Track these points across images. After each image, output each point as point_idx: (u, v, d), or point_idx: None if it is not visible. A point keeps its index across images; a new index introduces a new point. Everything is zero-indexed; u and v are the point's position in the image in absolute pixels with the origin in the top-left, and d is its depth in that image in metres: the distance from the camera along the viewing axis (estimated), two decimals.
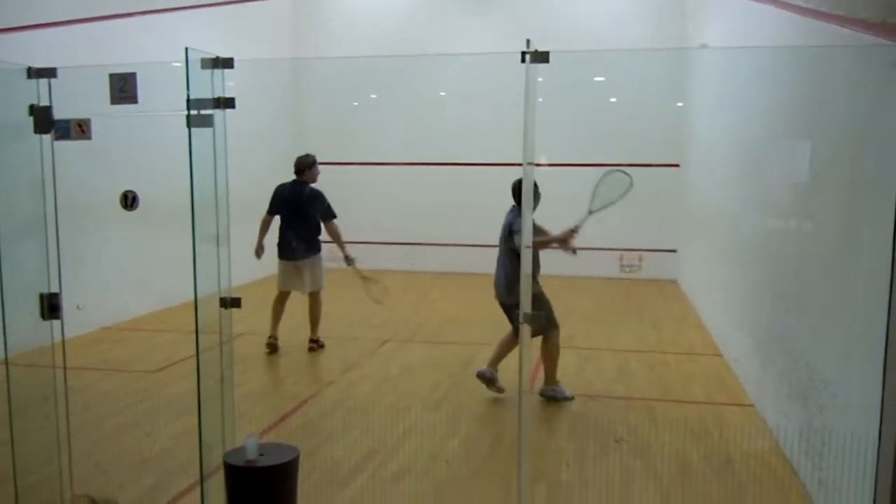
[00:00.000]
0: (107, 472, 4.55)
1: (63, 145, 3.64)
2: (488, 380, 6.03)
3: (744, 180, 7.00)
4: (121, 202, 4.17)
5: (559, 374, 6.11)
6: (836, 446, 3.82)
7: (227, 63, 3.58)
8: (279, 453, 3.71)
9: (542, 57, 3.42)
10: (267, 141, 11.86)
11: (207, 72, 3.50)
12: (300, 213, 7.39)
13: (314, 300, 7.54)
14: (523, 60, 3.43)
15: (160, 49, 3.90)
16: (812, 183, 4.84)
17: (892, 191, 3.09)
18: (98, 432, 5.21)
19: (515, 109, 3.75)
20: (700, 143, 10.24)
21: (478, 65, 12.34)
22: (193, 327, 3.72)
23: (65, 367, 3.76)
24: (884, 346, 3.00)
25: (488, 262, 12.85)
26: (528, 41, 3.42)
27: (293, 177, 7.58)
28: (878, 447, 2.97)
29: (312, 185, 7.55)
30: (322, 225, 7.48)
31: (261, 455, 3.63)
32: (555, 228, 6.12)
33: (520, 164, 3.63)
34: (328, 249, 7.64)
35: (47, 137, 3.64)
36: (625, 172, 6.01)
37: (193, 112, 3.49)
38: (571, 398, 6.05)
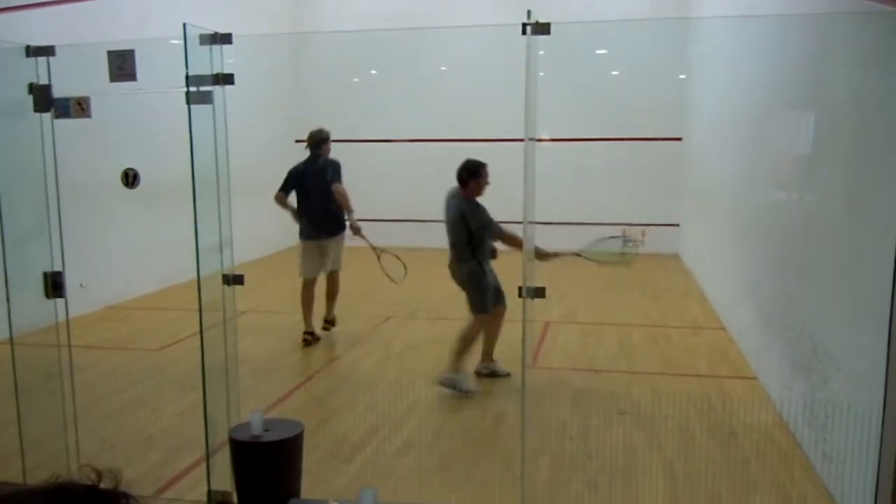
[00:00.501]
0: (113, 449, 4.59)
1: (63, 124, 3.63)
2: (492, 374, 5.95)
3: (747, 153, 6.96)
4: (122, 180, 4.18)
5: (501, 355, 6.03)
6: (840, 418, 3.83)
7: (226, 38, 3.56)
8: (284, 428, 3.72)
9: (543, 28, 3.40)
10: (267, 118, 11.82)
11: (206, 48, 3.49)
12: (323, 187, 6.93)
13: (333, 280, 7.19)
14: (524, 32, 3.40)
15: (159, 25, 3.87)
16: (816, 154, 4.81)
17: None
18: (104, 409, 5.23)
19: (516, 84, 3.73)
20: (703, 115, 10.18)
21: (478, 37, 12.23)
22: (197, 305, 3.73)
23: (69, 346, 3.77)
24: (888, 317, 3.00)
25: None
26: (528, 12, 3.39)
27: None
28: (883, 418, 2.98)
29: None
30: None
31: (266, 430, 3.64)
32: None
33: (521, 140, 3.61)
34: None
35: (47, 116, 3.63)
36: (628, 246, 6.19)
37: (193, 89, 3.48)
38: (468, 392, 5.60)
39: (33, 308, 3.73)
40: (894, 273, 2.96)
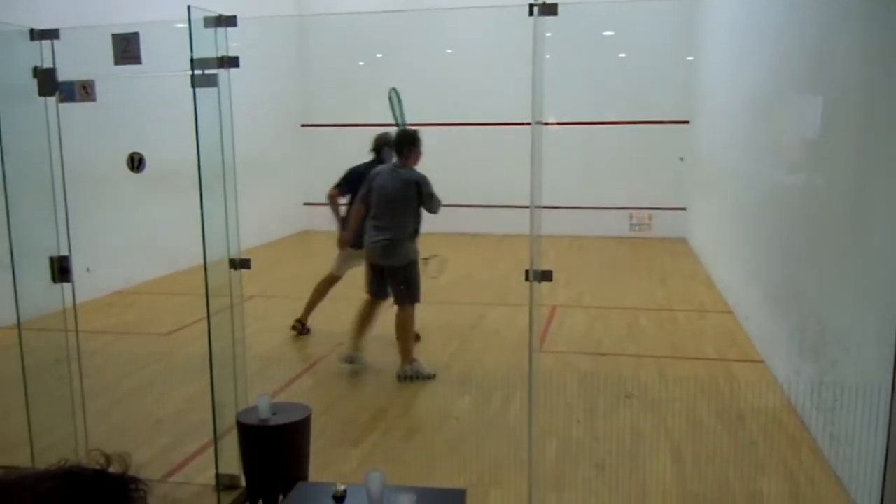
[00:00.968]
0: (121, 433, 4.61)
1: (68, 107, 3.62)
2: (351, 360, 5.78)
3: (755, 136, 6.92)
4: (127, 164, 4.16)
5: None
6: (848, 401, 3.82)
7: (231, 21, 3.54)
8: (291, 412, 3.74)
9: (550, 10, 3.36)
10: (272, 102, 11.80)
11: (210, 30, 3.47)
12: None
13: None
14: (531, 13, 3.37)
15: (163, 8, 3.85)
16: (824, 136, 4.77)
17: None
18: (112, 394, 5.26)
19: (523, 66, 3.70)
20: (710, 98, 10.12)
21: (484, 19, 12.17)
22: (204, 290, 3.73)
23: (77, 330, 3.78)
24: None
25: (495, 222, 12.85)
26: None
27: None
28: (891, 400, 2.96)
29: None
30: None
31: (273, 414, 3.66)
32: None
33: (528, 123, 3.59)
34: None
35: (52, 100, 3.61)
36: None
37: (198, 72, 3.46)
38: (432, 376, 5.60)
39: (40, 293, 3.74)
40: None
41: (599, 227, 12.38)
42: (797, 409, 4.82)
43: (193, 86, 3.48)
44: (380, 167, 5.92)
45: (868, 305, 3.73)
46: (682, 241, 11.90)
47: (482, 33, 12.54)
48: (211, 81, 3.50)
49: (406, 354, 5.66)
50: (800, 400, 4.79)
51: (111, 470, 0.94)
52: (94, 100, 3.63)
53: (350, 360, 5.79)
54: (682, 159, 6.04)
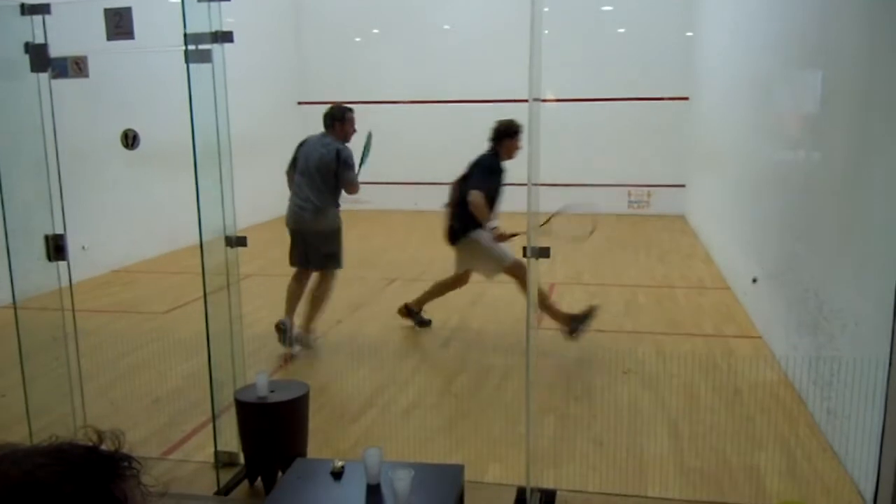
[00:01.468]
0: (120, 411, 4.61)
1: (61, 84, 3.58)
2: (284, 332, 5.72)
3: (754, 112, 6.89)
4: (122, 141, 4.14)
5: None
6: (846, 375, 3.82)
7: None
8: (289, 390, 3.74)
9: None
10: (267, 78, 11.72)
11: (204, 5, 3.43)
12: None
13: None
14: None
15: None
16: (823, 112, 4.74)
17: None
18: (110, 373, 5.26)
19: (520, 42, 3.66)
20: (710, 74, 10.06)
21: None
22: (202, 269, 3.72)
23: (73, 309, 3.76)
24: (895, 273, 2.97)
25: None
26: None
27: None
28: (888, 374, 2.96)
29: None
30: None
31: (271, 392, 3.66)
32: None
33: (525, 100, 3.56)
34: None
35: (44, 76, 3.57)
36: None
37: (191, 47, 3.43)
38: (311, 346, 5.74)
39: (36, 272, 3.72)
40: None
41: (598, 205, 12.35)
42: (794, 383, 4.83)
43: (187, 61, 3.44)
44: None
45: (866, 280, 3.72)
46: (681, 217, 11.89)
47: (479, 9, 12.44)
48: (205, 57, 3.46)
49: (309, 319, 5.74)
50: (797, 375, 4.80)
51: (103, 447, 0.92)
52: (86, 76, 3.59)
53: (281, 327, 5.72)
54: (755, 281, 6.02)
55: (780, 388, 4.88)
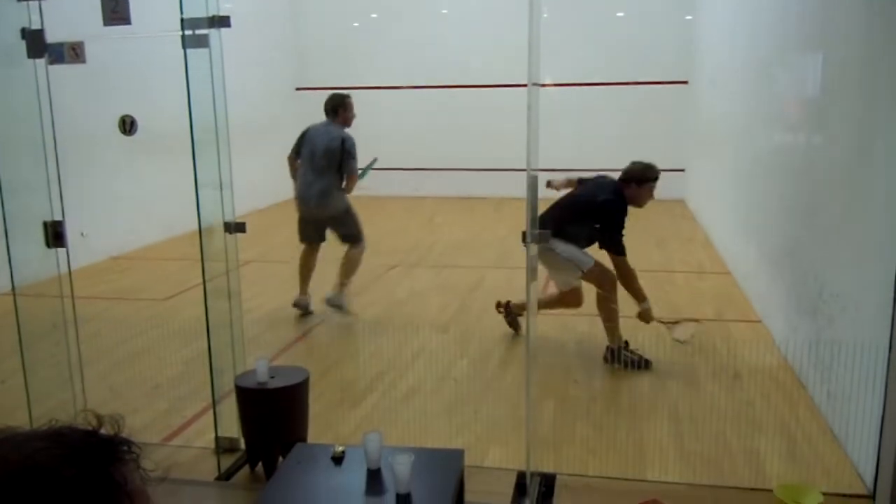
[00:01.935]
0: (120, 398, 4.61)
1: (58, 70, 3.57)
2: (305, 307, 6.14)
3: (754, 95, 6.87)
4: (119, 127, 4.12)
5: None
6: (846, 358, 3.82)
7: None
8: (289, 375, 3.74)
9: None
10: (264, 64, 11.67)
11: None
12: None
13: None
14: None
15: None
16: (824, 95, 4.73)
17: None
18: (110, 359, 5.26)
19: (519, 27, 3.64)
20: (709, 57, 10.02)
21: None
22: (200, 256, 3.72)
23: (72, 296, 3.76)
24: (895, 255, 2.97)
25: (493, 185, 12.81)
26: None
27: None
28: (888, 356, 2.97)
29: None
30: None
31: (271, 377, 3.66)
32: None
33: (524, 85, 3.54)
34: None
35: (41, 62, 3.55)
36: None
37: (188, 32, 3.41)
38: (346, 310, 6.15)
39: (35, 259, 3.71)
40: None
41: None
42: (794, 367, 4.83)
43: (184, 46, 3.42)
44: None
45: (866, 263, 3.72)
46: (680, 202, 11.86)
47: None
48: (202, 42, 3.44)
49: (341, 284, 6.13)
50: (797, 358, 4.81)
51: (102, 431, 0.92)
52: (83, 62, 3.57)
53: (299, 304, 6.15)
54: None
55: (779, 371, 4.89)
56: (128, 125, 4.23)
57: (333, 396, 4.65)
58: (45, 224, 3.63)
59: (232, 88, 3.65)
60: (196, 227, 3.69)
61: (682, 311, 6.31)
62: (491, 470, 3.71)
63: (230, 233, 3.82)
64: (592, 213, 5.22)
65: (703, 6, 10.84)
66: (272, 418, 3.65)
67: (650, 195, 5.42)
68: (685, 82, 11.80)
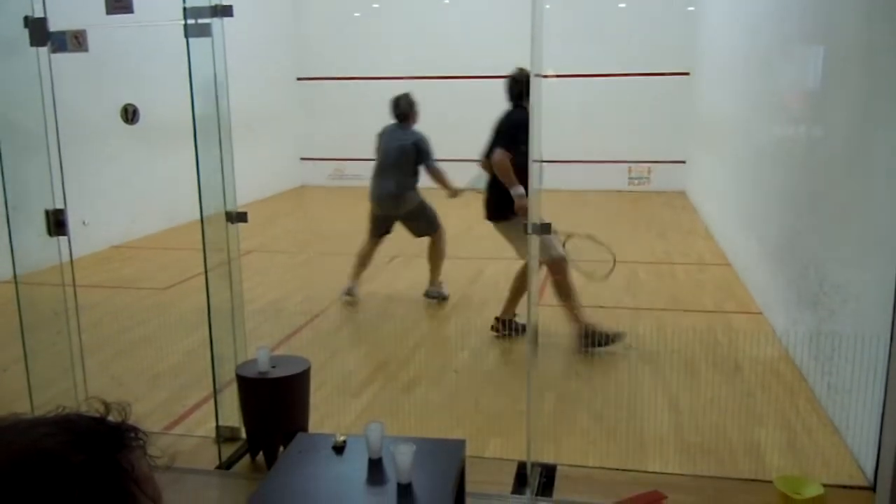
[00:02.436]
0: (122, 386, 4.62)
1: (60, 58, 3.56)
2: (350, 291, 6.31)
3: (755, 87, 6.85)
4: (121, 116, 4.12)
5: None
6: (847, 350, 3.83)
7: None
8: (290, 365, 3.75)
9: None
10: (266, 54, 11.64)
11: None
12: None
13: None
14: None
15: None
16: (825, 87, 4.72)
17: None
18: (111, 348, 5.27)
19: (522, 18, 3.63)
20: (711, 49, 10.00)
21: None
22: (202, 245, 3.72)
23: (74, 285, 3.76)
24: None
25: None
26: None
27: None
28: (890, 349, 2.97)
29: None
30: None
31: (273, 367, 3.66)
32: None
33: None
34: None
35: (44, 50, 3.54)
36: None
37: (190, 21, 3.40)
38: (447, 296, 6.39)
39: (36, 247, 3.71)
40: None
41: (598, 181, 12.32)
42: (795, 359, 4.84)
43: (186, 35, 3.42)
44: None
45: (867, 256, 3.72)
46: (681, 194, 11.87)
47: None
48: (204, 31, 3.43)
49: (434, 276, 6.42)
50: (798, 350, 4.81)
51: (110, 419, 0.92)
52: (86, 50, 3.56)
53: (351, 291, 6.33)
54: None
55: (780, 363, 4.89)
56: (130, 114, 4.23)
57: (335, 386, 4.66)
58: (47, 212, 3.63)
59: (233, 78, 3.64)
60: (197, 216, 3.69)
61: (683, 303, 6.32)
62: (492, 460, 3.72)
63: (232, 222, 3.82)
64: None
65: None
66: (273, 408, 3.65)
67: None
68: (686, 74, 11.78)
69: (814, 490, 3.27)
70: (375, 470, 2.80)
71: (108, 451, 0.86)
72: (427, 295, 6.41)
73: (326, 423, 4.02)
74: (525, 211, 5.47)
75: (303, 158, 12.90)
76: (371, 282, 7.07)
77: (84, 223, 6.96)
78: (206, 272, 3.75)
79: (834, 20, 4.53)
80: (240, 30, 3.83)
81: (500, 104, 5.78)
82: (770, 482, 3.38)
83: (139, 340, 5.48)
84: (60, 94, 3.55)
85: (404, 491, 2.63)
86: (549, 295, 6.23)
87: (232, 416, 3.90)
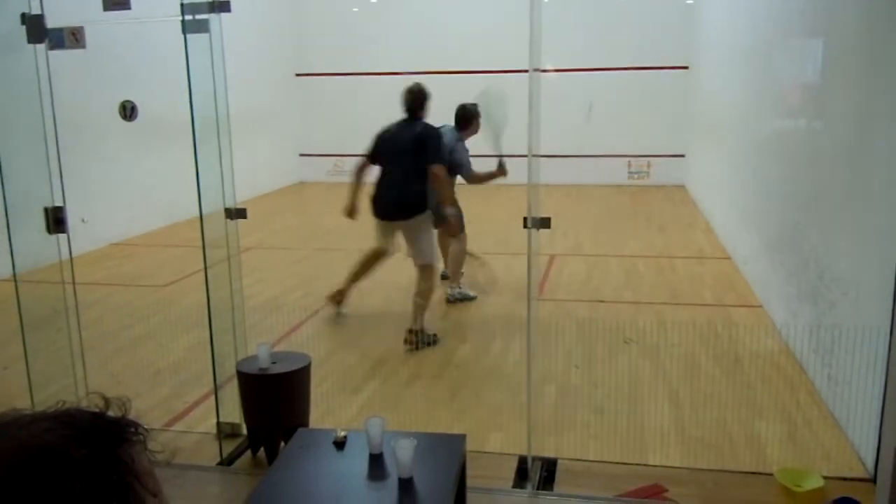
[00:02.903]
0: (122, 383, 4.62)
1: (58, 55, 3.55)
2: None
3: (754, 81, 6.84)
4: (120, 113, 4.11)
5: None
6: (847, 343, 3.83)
7: None
8: (291, 361, 3.75)
9: None
10: (264, 50, 11.62)
11: None
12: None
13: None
14: None
15: None
16: (825, 81, 4.71)
17: None
18: (112, 345, 5.27)
19: (520, 12, 3.62)
20: (710, 43, 9.98)
21: None
22: (202, 242, 3.71)
23: (73, 282, 3.76)
24: None
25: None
26: None
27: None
28: (890, 341, 2.97)
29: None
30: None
31: (273, 363, 3.67)
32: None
33: (525, 71, 3.53)
34: None
35: (41, 47, 3.54)
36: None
37: (188, 17, 3.39)
38: (474, 297, 6.26)
39: (36, 245, 3.71)
40: None
41: (598, 175, 12.31)
42: (795, 352, 4.84)
43: (184, 31, 3.41)
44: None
45: (867, 248, 3.72)
46: (681, 188, 11.86)
47: None
48: (202, 27, 3.43)
49: (455, 277, 6.31)
50: (798, 343, 4.81)
51: (110, 413, 0.92)
52: (83, 47, 3.56)
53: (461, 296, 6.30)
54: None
55: (780, 356, 4.90)
56: (128, 111, 4.23)
57: (335, 382, 4.66)
58: (46, 210, 3.63)
59: (232, 74, 3.64)
60: (197, 212, 3.68)
61: (683, 297, 6.32)
62: (492, 455, 3.72)
63: (231, 219, 3.82)
64: None
65: None
66: (274, 404, 3.66)
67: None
68: (686, 67, 11.76)
69: (814, 482, 3.28)
70: (376, 465, 2.80)
71: (108, 445, 0.86)
72: (451, 298, 6.24)
73: (327, 419, 4.02)
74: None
75: (301, 154, 12.90)
76: (370, 277, 7.06)
77: (83, 220, 6.96)
78: (205, 269, 3.75)
79: (834, 13, 4.53)
80: (238, 26, 3.82)
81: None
82: (771, 475, 3.39)
83: (139, 337, 5.49)
84: (58, 91, 3.54)
85: (405, 486, 2.63)
86: (549, 290, 6.25)
87: (233, 412, 3.90)
